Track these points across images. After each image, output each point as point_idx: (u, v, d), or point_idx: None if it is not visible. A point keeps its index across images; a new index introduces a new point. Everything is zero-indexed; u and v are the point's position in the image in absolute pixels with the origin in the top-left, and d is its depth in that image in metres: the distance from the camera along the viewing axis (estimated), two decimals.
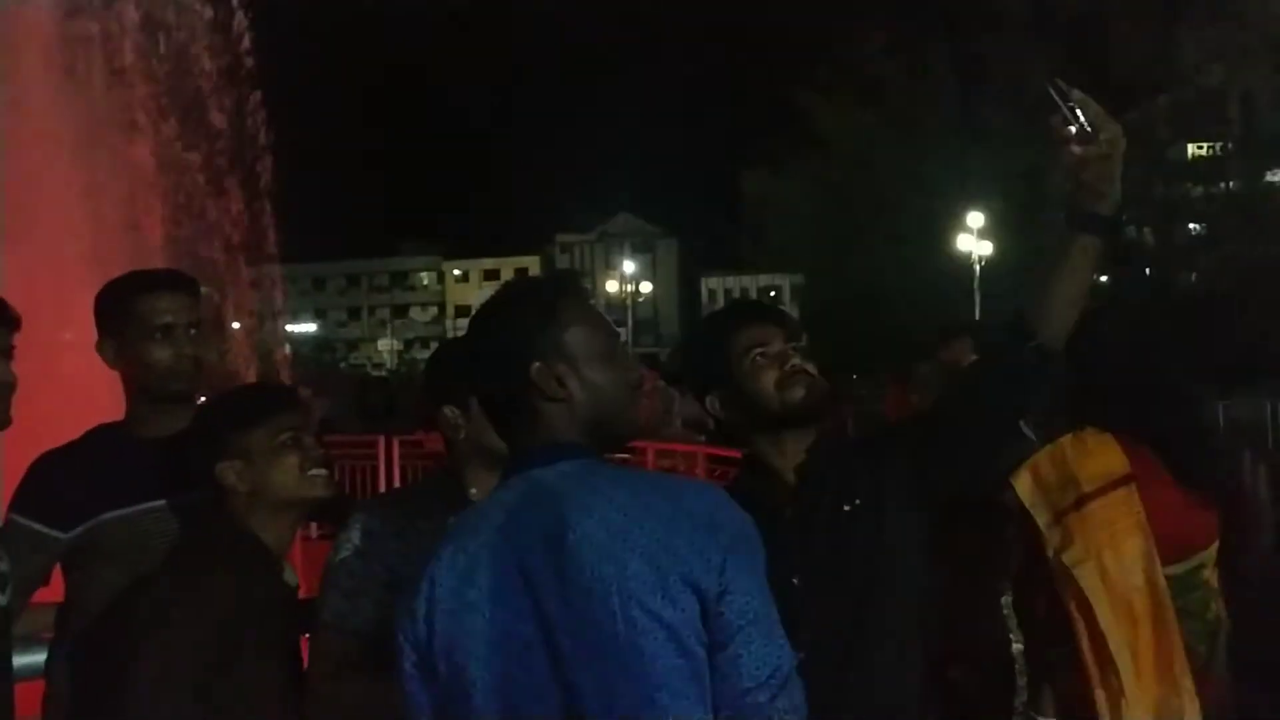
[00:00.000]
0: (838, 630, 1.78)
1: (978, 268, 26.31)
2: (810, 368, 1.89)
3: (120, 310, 2.17)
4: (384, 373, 29.11)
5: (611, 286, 52.33)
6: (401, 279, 78.33)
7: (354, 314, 75.98)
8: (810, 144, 31.11)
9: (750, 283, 51.90)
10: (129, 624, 1.79)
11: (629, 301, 49.92)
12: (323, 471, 1.98)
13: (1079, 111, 1.65)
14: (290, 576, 1.97)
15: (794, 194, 32.60)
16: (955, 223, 27.07)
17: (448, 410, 2.02)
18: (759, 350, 1.87)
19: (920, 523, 1.86)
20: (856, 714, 1.73)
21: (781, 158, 32.21)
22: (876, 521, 1.83)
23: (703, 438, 8.43)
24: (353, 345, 69.01)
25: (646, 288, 60.82)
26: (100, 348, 2.19)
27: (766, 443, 1.90)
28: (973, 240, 26.60)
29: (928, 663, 1.90)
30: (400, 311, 76.60)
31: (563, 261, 73.68)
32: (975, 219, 26.62)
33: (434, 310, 77.30)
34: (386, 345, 65.97)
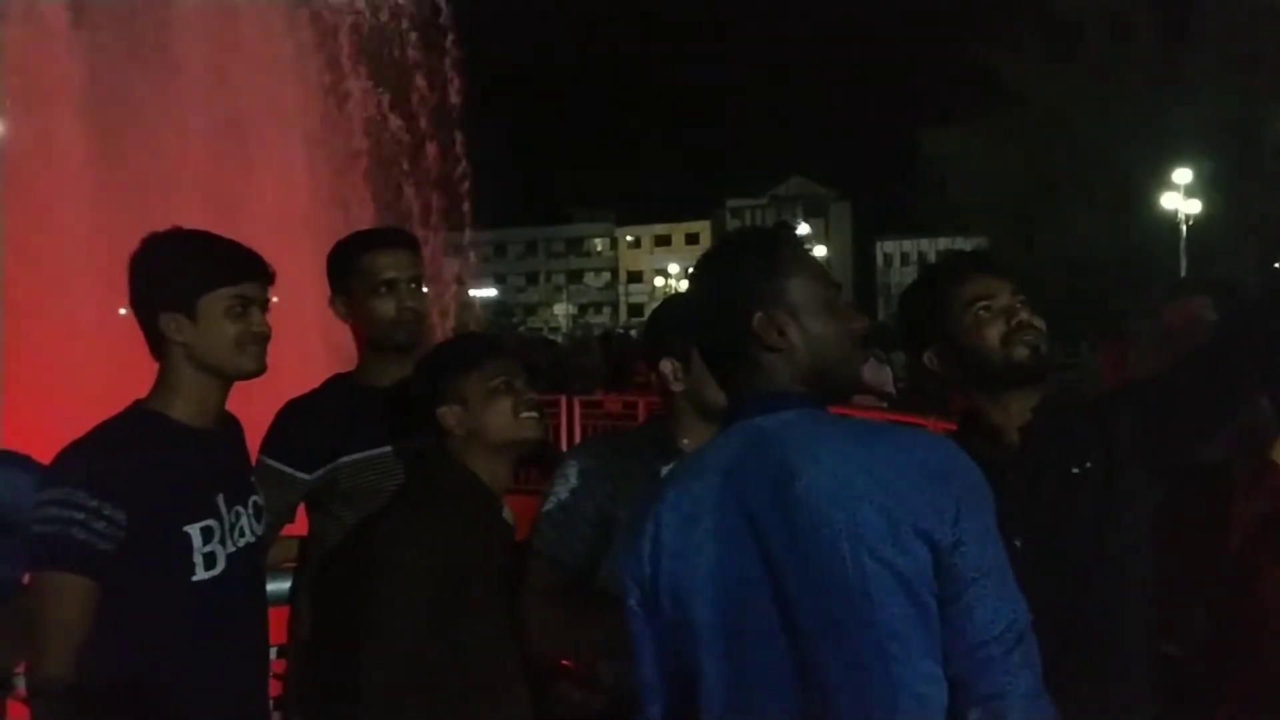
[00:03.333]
0: (1061, 595, 1.72)
1: (1184, 227, 24.50)
2: (1038, 322, 1.81)
3: (348, 267, 2.32)
4: (558, 336, 29.91)
5: None
6: (576, 245, 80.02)
7: (532, 279, 78.30)
8: (996, 99, 29.55)
9: (929, 246, 50.16)
10: (366, 557, 1.94)
11: None
12: (534, 414, 2.08)
13: None
14: (508, 514, 2.08)
15: (978, 152, 31.08)
16: (1159, 180, 25.24)
17: (666, 363, 2.08)
18: (983, 304, 1.81)
19: (1150, 490, 1.78)
20: (1077, 682, 1.68)
21: (964, 115, 30.72)
22: (1106, 486, 1.76)
23: (885, 404, 8.26)
24: (530, 309, 71.11)
25: (820, 252, 59.67)
26: (332, 303, 2.36)
27: (988, 400, 1.84)
28: (1179, 198, 24.77)
29: (1147, 635, 1.83)
30: (575, 277, 78.34)
31: (733, 226, 73.30)
32: (1182, 175, 24.76)
33: (607, 276, 78.66)
34: (562, 309, 67.60)
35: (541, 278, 78.58)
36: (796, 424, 1.37)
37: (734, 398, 1.45)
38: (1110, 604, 1.75)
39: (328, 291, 2.38)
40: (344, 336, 2.47)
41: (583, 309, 74.65)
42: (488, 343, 2.18)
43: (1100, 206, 27.49)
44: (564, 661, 2.15)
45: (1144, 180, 25.69)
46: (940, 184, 33.83)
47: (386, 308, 2.29)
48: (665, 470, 2.06)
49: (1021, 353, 1.79)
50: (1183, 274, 21.37)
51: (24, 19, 6.43)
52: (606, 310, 75.80)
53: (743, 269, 1.44)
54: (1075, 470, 1.77)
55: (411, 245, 2.40)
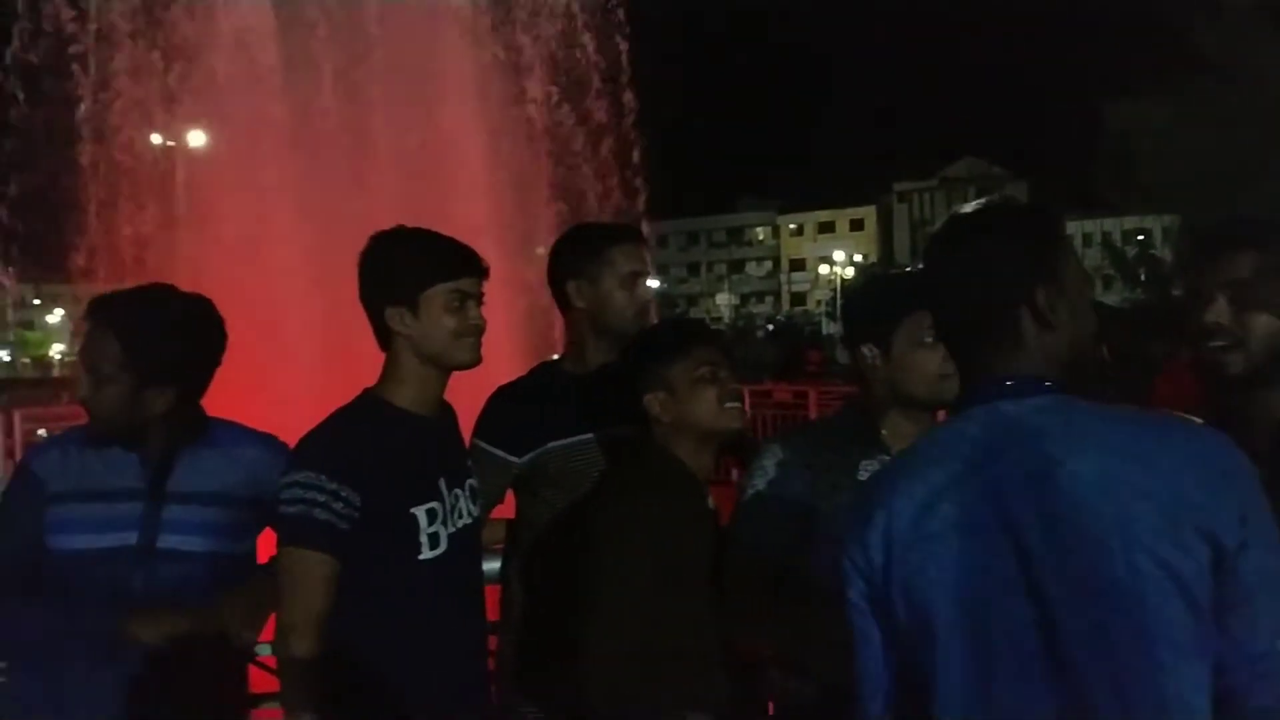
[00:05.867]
0: None
1: None
2: (1243, 324, 1.67)
3: (593, 256, 2.38)
4: (721, 327, 29.92)
5: None
6: (738, 234, 79.76)
7: (693, 270, 78.57)
8: (1189, 67, 27.53)
9: (1114, 225, 47.32)
10: (585, 542, 1.98)
11: None
12: (737, 404, 2.07)
13: None
14: (711, 501, 2.09)
15: (1169, 124, 29.07)
16: None
17: (865, 349, 2.05)
18: (1197, 298, 1.70)
19: None
20: None
21: (1153, 84, 28.77)
22: None
23: None
24: (692, 300, 71.40)
25: None
26: (564, 288, 2.40)
27: (1236, 393, 1.71)
28: None
29: None
30: (737, 266, 78.13)
31: (900, 211, 71.42)
32: None
33: (769, 265, 78.08)
34: (724, 300, 67.49)
35: (703, 268, 78.73)
36: (1053, 410, 1.28)
37: (976, 379, 1.36)
38: None
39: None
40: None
41: (745, 299, 74.41)
42: (694, 330, 2.17)
43: None
44: (766, 651, 2.15)
45: None
46: (1126, 159, 31.85)
47: (630, 298, 2.37)
48: (865, 463, 2.02)
49: (1210, 367, 1.67)
50: None
51: (233, 43, 6.96)
52: (769, 299, 75.32)
53: (1020, 241, 1.35)
54: None
55: (643, 241, 2.50)
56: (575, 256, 2.41)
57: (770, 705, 2.22)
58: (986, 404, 1.33)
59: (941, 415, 2.09)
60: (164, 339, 1.98)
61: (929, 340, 1.98)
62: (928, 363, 1.99)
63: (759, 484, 2.08)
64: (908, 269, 2.91)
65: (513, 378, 2.48)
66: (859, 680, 1.39)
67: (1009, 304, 1.33)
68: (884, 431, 2.06)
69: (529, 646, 2.32)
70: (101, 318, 1.99)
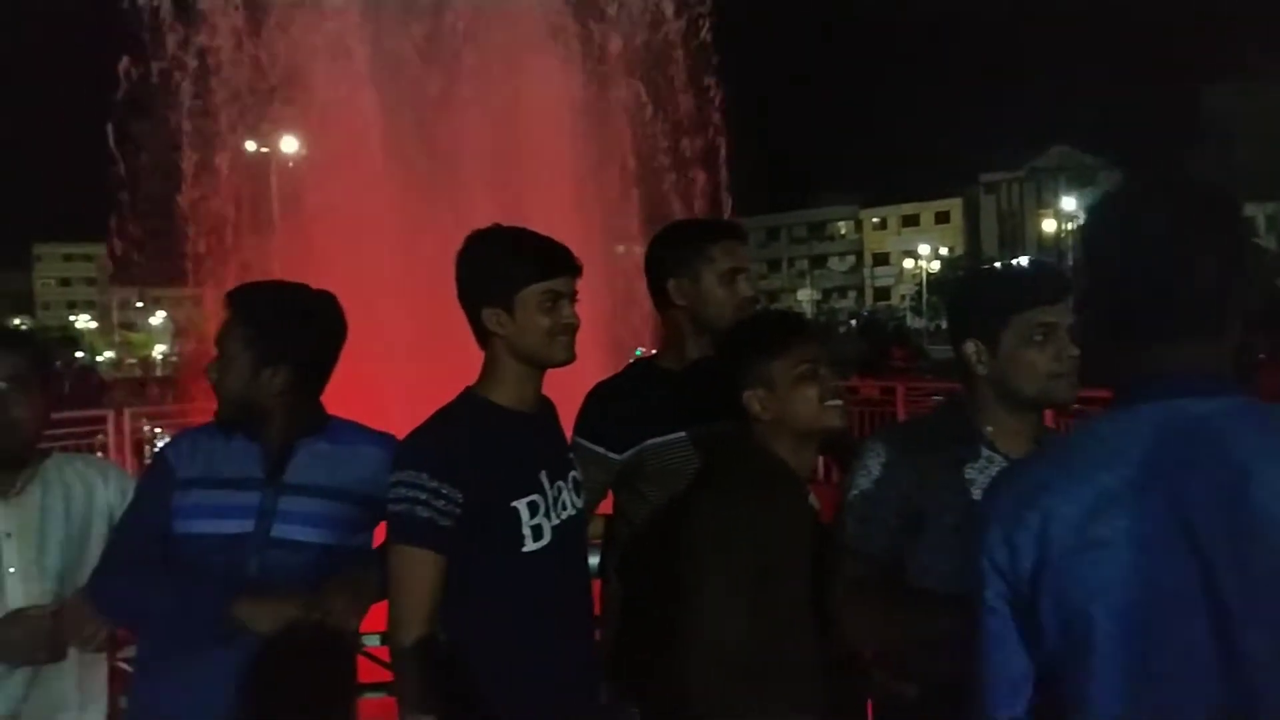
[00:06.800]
0: None
1: None
2: None
3: (693, 253, 2.39)
4: None
5: (1047, 226, 48.46)
6: (819, 229, 78.99)
7: (774, 266, 78.03)
8: None
9: None
10: (681, 540, 1.98)
11: (1069, 242, 46.06)
12: (838, 403, 2.04)
13: None
14: (813, 500, 2.07)
15: (1269, 108, 27.92)
16: None
17: (970, 345, 2.00)
18: None
19: None
20: None
21: (1255, 67, 27.65)
22: None
23: None
24: (773, 296, 70.83)
25: None
26: (663, 286, 2.41)
27: None
28: None
29: None
30: (818, 262, 77.37)
31: (988, 203, 69.81)
32: None
33: (851, 259, 77.15)
34: (806, 295, 66.91)
35: (784, 264, 78.13)
36: (1241, 414, 1.20)
37: (1140, 373, 1.25)
38: None
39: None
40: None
41: (827, 294, 73.68)
42: (794, 325, 2.13)
43: None
44: (871, 652, 2.12)
45: None
46: (1227, 145, 30.70)
47: (732, 295, 2.37)
48: (971, 463, 1.97)
49: None
50: None
51: (324, 44, 7.17)
52: (851, 295, 74.44)
53: (1241, 223, 1.28)
54: None
55: (745, 238, 2.51)
56: (675, 254, 2.41)
57: (869, 706, 2.19)
58: (1158, 401, 1.23)
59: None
60: (280, 319, 2.06)
61: (1040, 338, 1.93)
62: (1039, 362, 1.94)
63: (863, 483, 2.04)
64: (997, 263, 2.82)
65: (595, 374, 2.48)
66: (987, 682, 1.30)
67: (1224, 291, 1.24)
68: (988, 429, 2.02)
69: (627, 644, 2.33)
70: (232, 304, 2.10)
